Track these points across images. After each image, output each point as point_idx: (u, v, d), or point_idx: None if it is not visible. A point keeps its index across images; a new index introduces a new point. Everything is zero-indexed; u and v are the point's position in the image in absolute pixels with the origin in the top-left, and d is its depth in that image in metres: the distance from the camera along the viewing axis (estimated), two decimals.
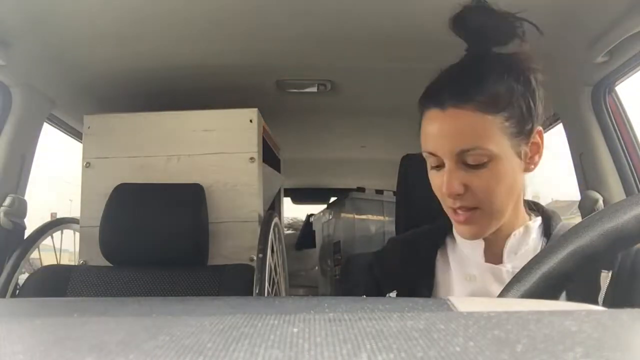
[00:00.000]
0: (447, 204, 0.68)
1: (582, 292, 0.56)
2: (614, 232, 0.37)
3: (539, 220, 0.73)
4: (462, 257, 0.74)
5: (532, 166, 0.68)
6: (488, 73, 0.65)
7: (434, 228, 0.80)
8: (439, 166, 0.67)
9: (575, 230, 0.39)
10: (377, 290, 0.77)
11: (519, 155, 0.65)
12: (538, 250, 0.66)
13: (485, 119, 0.63)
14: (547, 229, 0.71)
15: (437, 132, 0.66)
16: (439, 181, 0.67)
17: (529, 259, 0.68)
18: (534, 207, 0.75)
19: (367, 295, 0.65)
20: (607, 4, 1.03)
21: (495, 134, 0.63)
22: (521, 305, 0.35)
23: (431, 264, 0.74)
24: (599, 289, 0.60)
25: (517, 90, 0.65)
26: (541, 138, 0.68)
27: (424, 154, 0.68)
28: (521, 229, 0.71)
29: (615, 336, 0.21)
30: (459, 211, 0.66)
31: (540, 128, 0.68)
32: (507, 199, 0.66)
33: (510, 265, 0.69)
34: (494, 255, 0.71)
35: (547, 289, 0.38)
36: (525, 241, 0.70)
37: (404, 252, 0.79)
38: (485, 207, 0.65)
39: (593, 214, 0.40)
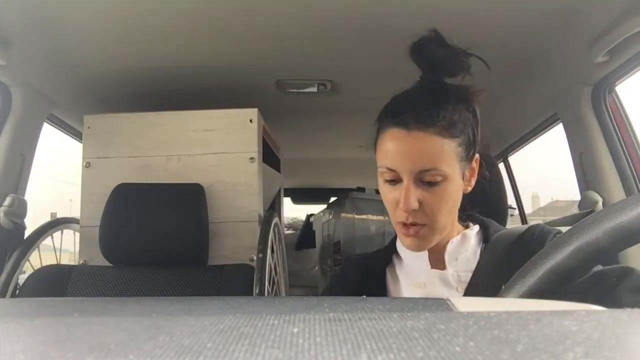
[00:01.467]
0: (398, 219, 0.73)
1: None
2: (619, 229, 0.37)
3: (476, 228, 0.80)
4: (409, 269, 0.81)
5: (469, 187, 0.76)
6: (447, 100, 0.71)
7: (382, 250, 0.88)
8: (394, 181, 0.72)
9: (581, 227, 0.39)
10: (374, 282, 0.84)
11: (462, 177, 0.73)
12: (477, 254, 0.75)
13: (443, 142, 0.69)
14: (485, 236, 0.79)
15: (400, 151, 0.70)
16: (392, 195, 0.73)
17: (469, 263, 0.74)
18: (468, 218, 0.83)
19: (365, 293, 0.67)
20: (607, 4, 1.03)
21: (449, 157, 0.70)
22: (521, 305, 0.35)
23: (383, 280, 0.82)
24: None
25: (468, 118, 0.72)
26: (477, 163, 0.76)
27: (380, 169, 0.74)
28: (458, 237, 0.78)
29: (615, 336, 0.21)
30: (411, 226, 0.72)
31: (477, 155, 0.76)
32: (449, 216, 0.74)
33: (453, 269, 0.76)
34: (436, 262, 0.78)
35: (550, 285, 0.38)
36: (464, 247, 0.78)
37: (359, 272, 0.86)
38: (431, 224, 0.72)
39: (598, 211, 0.40)
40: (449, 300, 0.31)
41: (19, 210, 1.33)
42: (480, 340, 0.20)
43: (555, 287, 0.38)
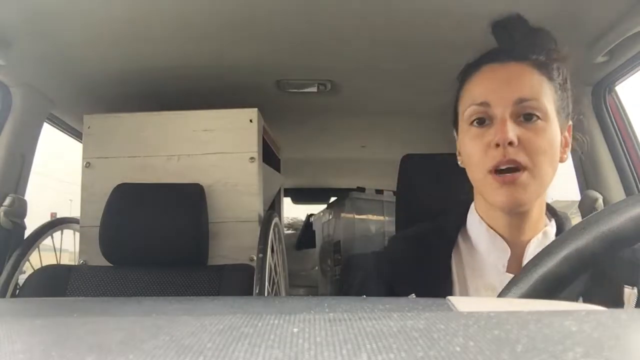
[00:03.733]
0: (489, 164, 0.62)
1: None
2: (611, 234, 0.37)
3: (554, 225, 0.70)
4: (479, 264, 0.69)
5: (565, 156, 0.66)
6: (548, 38, 0.67)
7: (443, 224, 0.75)
8: (484, 121, 0.63)
9: (572, 233, 0.38)
10: (387, 290, 0.72)
11: (561, 133, 0.65)
12: None
13: (542, 78, 0.63)
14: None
15: (495, 81, 0.64)
16: (482, 141, 0.63)
17: None
18: (548, 210, 0.72)
19: (368, 294, 0.65)
20: (607, 4, 1.03)
21: (547, 94, 0.63)
22: (521, 305, 0.35)
23: (448, 264, 0.69)
24: (621, 305, 0.58)
25: (559, 73, 0.66)
26: (570, 134, 0.68)
27: (467, 112, 0.65)
28: (539, 235, 0.67)
29: (615, 336, 0.21)
30: (505, 170, 0.61)
31: (570, 125, 0.68)
32: (550, 169, 0.63)
33: None
34: (512, 263, 0.66)
35: (544, 292, 0.37)
36: None
37: (416, 252, 0.74)
38: (533, 168, 0.61)
39: (589, 215, 0.39)
40: (449, 300, 0.31)
41: (19, 210, 1.33)
42: (480, 340, 0.20)
43: (549, 294, 0.38)
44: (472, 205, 0.73)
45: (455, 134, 0.73)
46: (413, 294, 0.66)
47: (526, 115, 0.61)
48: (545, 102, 0.62)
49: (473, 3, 1.09)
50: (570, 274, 0.37)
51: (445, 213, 0.76)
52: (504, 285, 0.66)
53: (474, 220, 0.71)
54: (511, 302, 0.37)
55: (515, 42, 0.67)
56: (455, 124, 0.72)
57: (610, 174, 1.24)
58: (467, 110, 0.65)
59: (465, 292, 0.69)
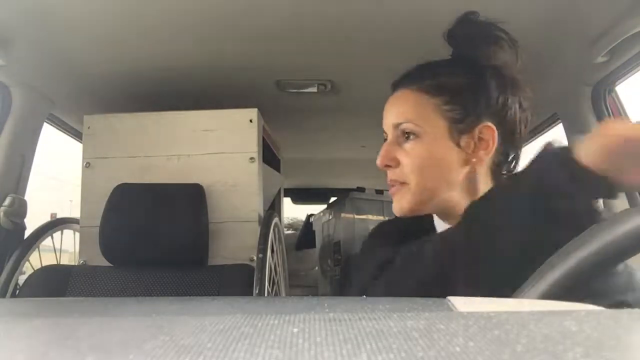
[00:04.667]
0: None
1: None
2: (609, 247, 0.37)
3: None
4: None
5: (474, 159, 0.69)
6: (445, 66, 0.72)
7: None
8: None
9: (570, 250, 0.38)
10: (368, 256, 0.76)
11: (457, 143, 0.69)
12: None
13: (422, 97, 0.69)
14: None
15: (386, 109, 0.74)
16: None
17: None
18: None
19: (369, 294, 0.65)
20: (607, 4, 1.03)
21: (427, 113, 0.69)
22: (521, 305, 0.35)
23: (431, 227, 0.76)
24: None
25: (468, 83, 0.69)
26: (492, 136, 0.69)
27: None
28: None
29: (615, 336, 0.21)
30: (390, 184, 0.71)
31: (491, 125, 0.69)
32: (439, 180, 0.69)
33: None
34: None
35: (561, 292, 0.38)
36: None
37: (400, 222, 0.80)
38: (411, 183, 0.69)
39: (587, 230, 0.39)
40: (449, 300, 0.31)
41: (19, 210, 1.33)
42: (480, 340, 0.20)
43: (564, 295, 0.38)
44: None
45: None
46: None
47: (405, 136, 0.70)
48: (421, 121, 0.69)
49: (473, 3, 1.08)
50: (585, 276, 0.37)
51: None
52: None
53: (439, 221, 0.77)
54: (511, 302, 0.37)
55: (460, 42, 0.73)
56: None
57: None
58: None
59: None
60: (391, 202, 0.75)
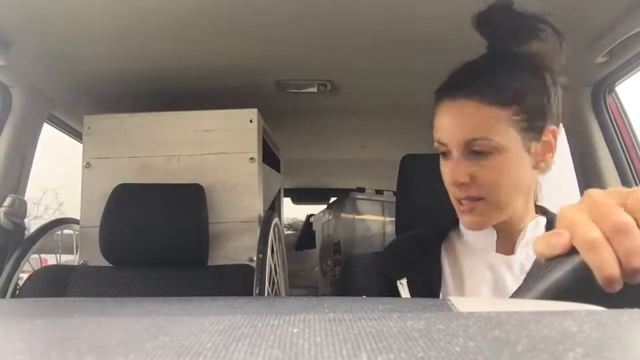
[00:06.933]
0: (453, 194, 0.70)
1: None
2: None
3: (544, 219, 0.74)
4: (472, 249, 0.75)
5: (543, 164, 0.69)
6: (501, 69, 0.68)
7: (437, 224, 0.82)
8: (445, 155, 0.70)
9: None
10: (384, 283, 0.77)
11: (528, 150, 0.67)
12: None
13: (492, 111, 0.65)
14: (549, 229, 0.72)
15: (448, 121, 0.69)
16: (446, 170, 0.70)
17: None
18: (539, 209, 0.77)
19: (369, 294, 0.65)
20: (607, 4, 1.03)
21: (502, 127, 0.65)
22: (521, 305, 0.35)
23: (438, 253, 0.76)
24: None
25: (529, 87, 0.67)
26: (554, 138, 0.69)
27: (435, 144, 0.71)
28: (533, 222, 0.72)
29: (615, 336, 0.21)
30: (463, 201, 0.68)
31: (555, 128, 0.69)
32: (513, 192, 0.68)
33: (521, 258, 0.70)
34: (503, 247, 0.72)
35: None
36: (536, 235, 0.70)
37: (411, 245, 0.81)
38: (490, 198, 0.67)
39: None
40: (449, 300, 0.31)
41: (19, 210, 1.33)
42: (480, 340, 0.20)
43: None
44: None
45: None
46: (405, 279, 0.73)
47: (479, 153, 0.66)
48: (497, 136, 0.65)
49: (473, 4, 1.08)
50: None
51: (442, 213, 0.80)
52: (498, 264, 0.69)
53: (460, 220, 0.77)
54: (511, 302, 0.37)
55: (497, 34, 0.70)
56: None
57: (610, 174, 1.24)
58: (435, 143, 0.71)
59: (459, 280, 0.73)
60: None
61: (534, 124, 0.67)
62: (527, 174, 0.68)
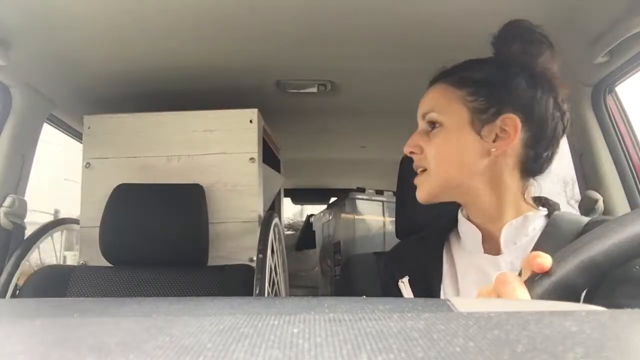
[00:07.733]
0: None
1: None
2: (621, 245, 0.37)
3: (543, 211, 0.73)
4: (466, 251, 0.76)
5: (494, 149, 0.69)
6: (476, 62, 0.74)
7: (438, 227, 0.84)
8: None
9: (581, 244, 0.38)
10: (384, 283, 0.80)
11: (478, 132, 0.70)
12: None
13: (448, 89, 0.73)
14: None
15: (421, 101, 0.77)
16: None
17: (528, 250, 0.68)
18: (539, 202, 0.76)
19: (369, 294, 0.66)
20: (607, 4, 1.03)
21: (453, 104, 0.72)
22: (521, 306, 0.35)
23: (439, 254, 0.78)
24: None
25: (492, 75, 0.71)
26: (514, 128, 0.69)
27: None
28: (519, 219, 0.71)
29: (615, 336, 0.21)
30: (418, 172, 0.75)
31: (513, 117, 0.69)
32: (454, 167, 0.72)
33: (510, 256, 0.69)
34: (490, 247, 0.73)
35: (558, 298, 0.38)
36: (524, 232, 0.70)
37: (413, 245, 0.85)
38: (432, 170, 0.73)
39: (600, 227, 0.39)
40: (449, 300, 0.31)
41: (19, 210, 1.33)
42: (480, 340, 0.20)
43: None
44: None
45: None
46: (407, 277, 0.77)
47: (431, 125, 0.73)
48: (444, 111, 0.72)
49: (472, 4, 1.09)
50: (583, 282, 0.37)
51: (442, 214, 0.82)
52: (486, 265, 0.71)
53: (461, 217, 0.79)
54: (511, 302, 0.37)
55: (514, 53, 0.73)
56: None
57: (610, 174, 1.24)
58: None
59: (453, 280, 0.75)
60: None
61: (488, 108, 0.70)
62: (473, 154, 0.70)
